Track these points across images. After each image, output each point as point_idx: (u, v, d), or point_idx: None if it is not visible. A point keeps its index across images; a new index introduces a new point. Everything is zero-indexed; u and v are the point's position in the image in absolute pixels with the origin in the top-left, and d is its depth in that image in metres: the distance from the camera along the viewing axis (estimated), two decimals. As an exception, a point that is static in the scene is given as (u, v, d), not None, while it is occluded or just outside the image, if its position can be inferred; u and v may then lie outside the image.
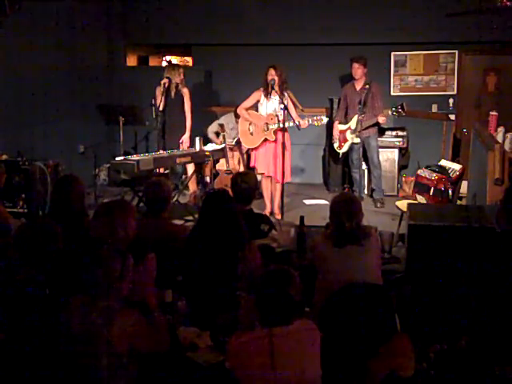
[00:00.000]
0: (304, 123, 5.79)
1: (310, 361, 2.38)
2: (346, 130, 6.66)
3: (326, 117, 6.13)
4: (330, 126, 7.49)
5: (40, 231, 2.83)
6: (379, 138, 6.87)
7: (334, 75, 7.67)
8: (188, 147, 6.43)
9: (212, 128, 7.26)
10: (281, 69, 5.82)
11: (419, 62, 7.84)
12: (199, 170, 6.76)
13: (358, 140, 6.59)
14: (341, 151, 6.82)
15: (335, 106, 7.37)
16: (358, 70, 6.53)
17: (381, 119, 6.36)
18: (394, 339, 2.73)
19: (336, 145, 6.86)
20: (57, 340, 2.46)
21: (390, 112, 6.40)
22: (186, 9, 7.96)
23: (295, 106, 6.25)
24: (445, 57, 7.77)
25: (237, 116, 7.17)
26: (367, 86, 6.44)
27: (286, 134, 5.75)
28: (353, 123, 6.57)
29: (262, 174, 6.00)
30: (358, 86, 6.59)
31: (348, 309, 2.78)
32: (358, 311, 2.76)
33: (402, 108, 6.30)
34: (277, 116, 5.80)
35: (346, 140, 6.69)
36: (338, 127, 6.76)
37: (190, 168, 6.56)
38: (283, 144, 5.60)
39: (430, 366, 2.86)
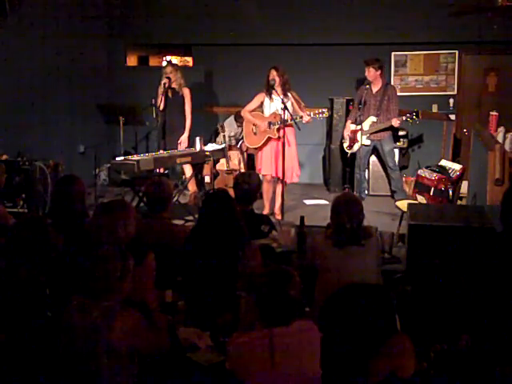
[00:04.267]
0: (307, 118, 5.79)
1: (310, 361, 2.38)
2: (357, 131, 6.59)
3: (327, 111, 6.11)
4: (330, 126, 7.50)
5: (28, 225, 2.83)
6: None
7: (334, 75, 7.66)
8: (186, 147, 6.43)
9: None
10: (283, 70, 5.82)
11: (419, 62, 7.84)
12: (199, 170, 6.76)
13: (368, 142, 6.59)
14: (350, 151, 6.82)
15: (335, 105, 7.37)
16: (369, 73, 6.51)
17: (395, 122, 6.34)
18: (394, 339, 2.72)
19: (345, 144, 6.86)
20: (57, 340, 2.46)
21: (403, 118, 6.37)
22: (186, 9, 7.95)
23: (299, 105, 6.20)
24: (445, 57, 7.77)
25: (237, 120, 7.16)
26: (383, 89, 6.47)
27: (290, 132, 5.79)
28: (366, 125, 6.55)
29: (265, 175, 5.98)
30: (375, 88, 6.58)
31: (348, 309, 2.77)
32: (357, 311, 2.75)
33: (417, 115, 6.30)
34: (280, 115, 5.79)
35: (356, 140, 6.66)
36: (350, 127, 6.74)
37: (188, 169, 6.55)
38: (283, 144, 5.59)
39: (430, 365, 2.85)
